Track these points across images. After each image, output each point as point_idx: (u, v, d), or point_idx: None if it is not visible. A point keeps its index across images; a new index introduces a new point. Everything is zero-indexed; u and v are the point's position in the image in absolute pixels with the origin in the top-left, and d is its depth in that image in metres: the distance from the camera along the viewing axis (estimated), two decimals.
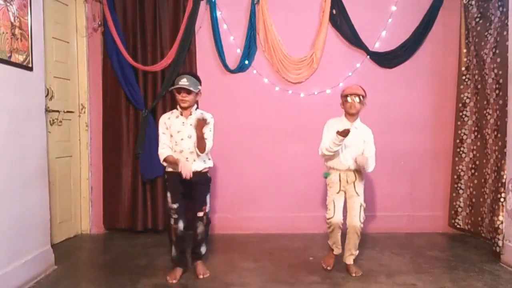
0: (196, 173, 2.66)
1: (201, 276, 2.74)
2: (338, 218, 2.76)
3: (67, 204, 3.63)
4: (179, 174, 2.58)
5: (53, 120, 3.39)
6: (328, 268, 2.83)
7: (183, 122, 2.68)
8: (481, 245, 3.46)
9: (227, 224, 3.83)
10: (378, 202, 3.89)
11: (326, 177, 2.83)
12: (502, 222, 3.05)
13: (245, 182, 3.87)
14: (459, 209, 3.76)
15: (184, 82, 2.58)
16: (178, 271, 2.74)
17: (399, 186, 3.90)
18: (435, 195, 3.91)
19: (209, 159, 2.80)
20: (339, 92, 3.79)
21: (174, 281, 2.66)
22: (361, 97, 2.71)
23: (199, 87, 2.69)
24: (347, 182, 2.75)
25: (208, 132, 2.66)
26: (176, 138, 2.67)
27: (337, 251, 2.86)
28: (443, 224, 3.90)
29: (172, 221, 2.68)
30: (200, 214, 2.70)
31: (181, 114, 2.69)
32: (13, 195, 2.47)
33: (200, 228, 2.73)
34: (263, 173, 3.87)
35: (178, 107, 2.71)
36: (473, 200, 3.61)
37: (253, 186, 3.87)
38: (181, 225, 2.67)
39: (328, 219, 2.79)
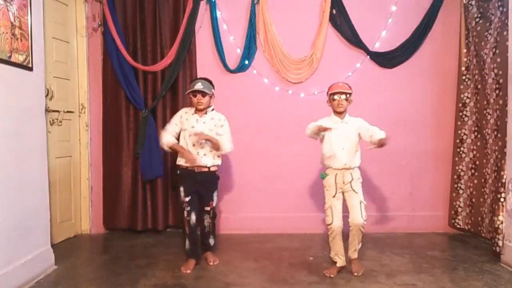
0: (205, 172, 2.89)
1: (211, 263, 2.95)
2: (337, 223, 2.75)
3: (67, 204, 3.63)
4: (191, 170, 2.86)
5: (53, 120, 3.39)
6: (331, 275, 2.75)
7: (197, 120, 2.92)
8: (481, 245, 3.46)
9: (227, 224, 3.83)
10: (378, 202, 3.89)
11: (323, 178, 2.83)
12: (502, 222, 3.05)
13: (245, 182, 3.87)
14: (459, 209, 3.76)
15: (199, 86, 2.85)
16: (192, 262, 2.90)
17: (399, 186, 3.90)
18: (435, 195, 3.91)
19: (218, 156, 2.96)
20: None
21: (188, 271, 2.81)
22: (347, 94, 2.74)
23: (213, 90, 2.96)
24: (344, 182, 2.75)
25: (226, 134, 2.93)
26: (190, 132, 2.89)
27: (340, 262, 2.79)
28: (443, 224, 3.90)
29: (185, 214, 2.88)
30: (207, 208, 2.95)
31: (195, 113, 2.94)
32: (13, 195, 2.47)
33: (207, 221, 2.98)
34: (263, 173, 3.87)
35: (193, 108, 2.96)
36: (473, 200, 3.61)
37: (253, 186, 3.87)
38: (193, 217, 2.87)
39: (328, 224, 2.78)
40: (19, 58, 2.51)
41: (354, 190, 2.75)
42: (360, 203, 2.74)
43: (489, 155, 3.36)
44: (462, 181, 3.73)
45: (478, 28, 3.51)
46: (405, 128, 3.86)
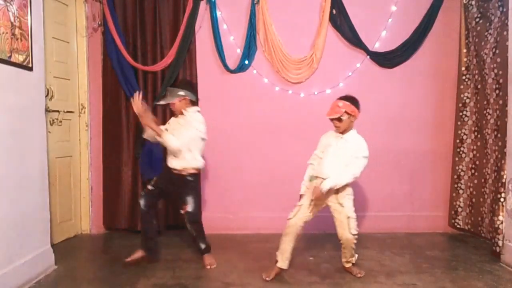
0: (176, 174, 2.88)
1: (208, 267, 2.90)
2: (296, 221, 2.67)
3: (67, 204, 3.63)
4: (170, 168, 2.88)
5: (53, 120, 3.39)
6: (267, 279, 2.67)
7: (178, 122, 2.96)
8: (481, 245, 3.46)
9: (227, 224, 3.83)
10: (378, 202, 3.90)
11: (310, 181, 2.78)
12: (502, 222, 3.05)
13: (244, 182, 3.87)
14: (459, 209, 3.76)
15: (161, 102, 3.03)
16: (138, 252, 2.95)
17: (399, 186, 3.90)
18: (435, 195, 3.91)
19: (194, 159, 2.87)
20: (339, 92, 3.82)
21: (128, 260, 2.90)
22: (342, 116, 2.61)
23: (181, 93, 2.91)
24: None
25: (183, 132, 2.83)
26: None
27: (281, 264, 2.70)
28: (443, 224, 3.90)
29: (139, 197, 2.98)
30: (182, 211, 2.90)
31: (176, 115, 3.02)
32: (13, 195, 2.47)
33: (188, 226, 2.92)
34: (263, 173, 3.87)
35: None
36: (473, 200, 3.61)
37: (253, 186, 3.87)
38: (142, 202, 2.91)
39: (288, 219, 2.71)
40: (19, 58, 2.51)
41: (340, 204, 2.63)
42: (348, 218, 2.61)
43: (489, 155, 3.36)
44: (462, 181, 3.74)
45: (478, 28, 3.51)
46: (405, 128, 3.86)
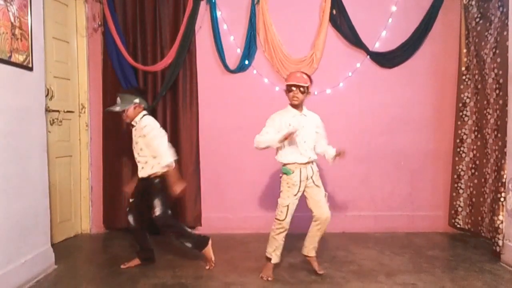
0: (145, 179, 2.84)
1: (207, 267, 2.89)
2: (288, 220, 2.70)
3: (67, 204, 3.63)
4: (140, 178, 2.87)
5: (53, 120, 3.39)
6: (269, 279, 2.68)
7: (135, 135, 2.88)
8: (481, 244, 3.46)
9: (227, 224, 3.83)
10: (378, 202, 3.90)
11: (288, 174, 2.67)
12: (502, 222, 3.05)
13: (245, 182, 3.87)
14: (459, 209, 3.76)
15: (113, 108, 2.85)
16: (135, 261, 2.96)
17: (399, 186, 3.90)
18: (435, 195, 3.91)
19: (158, 163, 2.77)
20: (339, 92, 3.84)
21: (122, 267, 2.90)
22: (303, 87, 2.61)
23: (136, 100, 2.82)
24: (307, 178, 2.68)
25: (153, 145, 2.76)
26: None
27: (275, 259, 2.73)
28: (443, 224, 3.90)
29: (127, 213, 2.93)
30: (153, 216, 2.82)
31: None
32: (13, 195, 2.47)
33: (163, 231, 2.91)
34: (263, 172, 3.86)
35: None
36: (473, 199, 3.61)
37: (253, 185, 3.87)
38: (130, 219, 2.89)
39: (280, 220, 2.70)
40: (19, 58, 2.51)
41: (316, 185, 2.70)
42: (325, 195, 2.72)
43: (489, 155, 3.36)
44: (462, 181, 3.73)
45: (478, 28, 3.51)
46: (405, 128, 3.86)
